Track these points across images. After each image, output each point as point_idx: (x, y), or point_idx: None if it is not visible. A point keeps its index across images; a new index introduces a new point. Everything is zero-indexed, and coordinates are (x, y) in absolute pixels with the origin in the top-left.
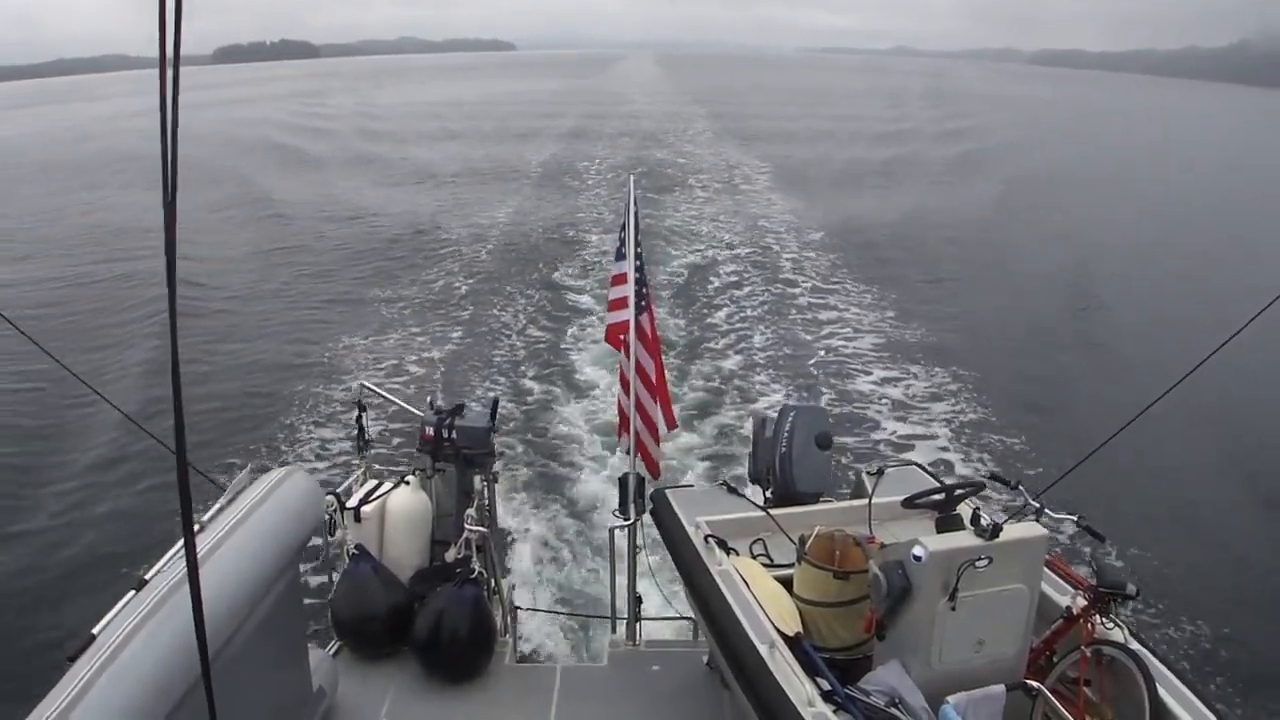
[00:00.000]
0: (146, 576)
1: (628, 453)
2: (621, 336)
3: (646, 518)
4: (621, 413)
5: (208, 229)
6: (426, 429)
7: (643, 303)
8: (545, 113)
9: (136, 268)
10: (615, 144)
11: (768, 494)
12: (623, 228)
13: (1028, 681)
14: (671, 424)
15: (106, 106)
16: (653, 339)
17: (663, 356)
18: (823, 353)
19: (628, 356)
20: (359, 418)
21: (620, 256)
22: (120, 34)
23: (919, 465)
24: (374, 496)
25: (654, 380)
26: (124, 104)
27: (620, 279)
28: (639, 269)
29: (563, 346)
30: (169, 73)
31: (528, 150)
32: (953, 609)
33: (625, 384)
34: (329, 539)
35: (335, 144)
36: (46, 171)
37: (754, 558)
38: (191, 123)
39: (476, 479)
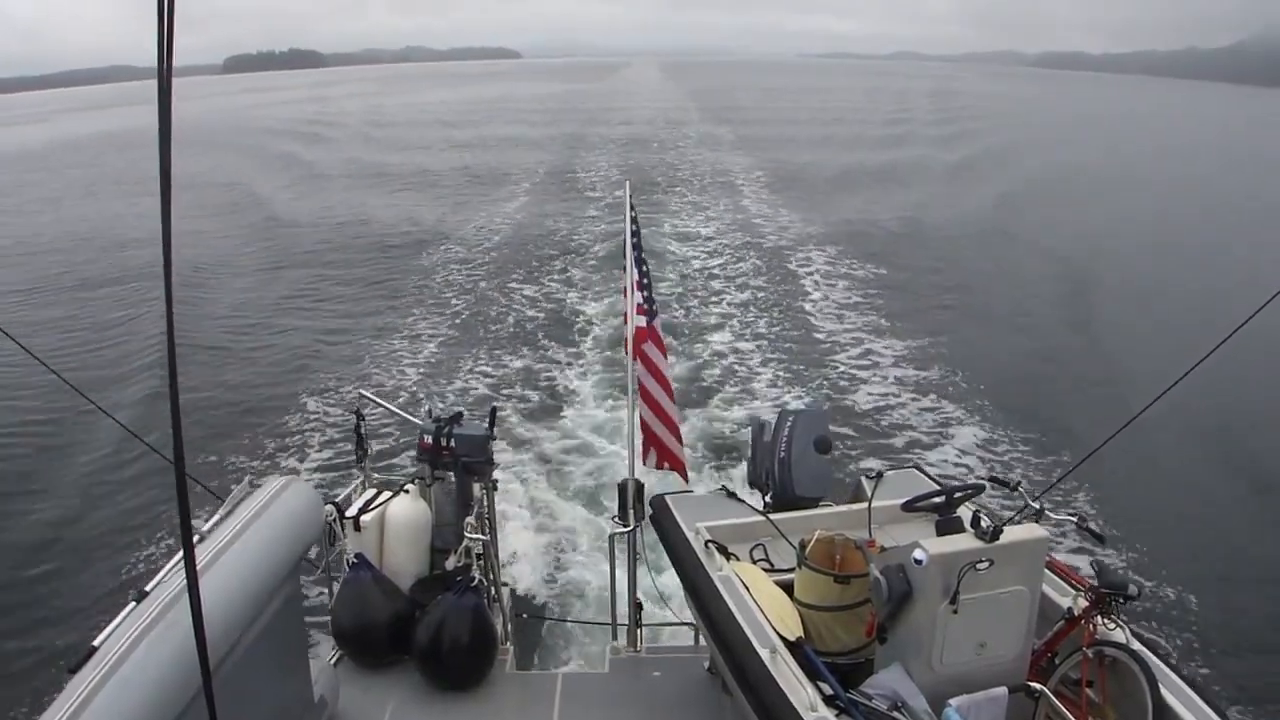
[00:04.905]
0: (147, 588)
1: (651, 463)
2: (637, 343)
3: (646, 523)
4: (643, 421)
5: (206, 237)
6: (425, 437)
7: (653, 309)
8: (549, 118)
9: (138, 278)
10: (617, 148)
11: (767, 499)
12: (632, 234)
13: (1030, 684)
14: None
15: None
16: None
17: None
18: (822, 356)
19: (646, 363)
20: (358, 427)
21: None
22: (124, 46)
23: (918, 468)
24: (374, 505)
25: (670, 384)
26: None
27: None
28: (645, 275)
29: (562, 353)
30: (164, 80)
31: (529, 155)
32: (954, 612)
33: (644, 391)
34: (329, 548)
35: (336, 151)
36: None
37: (754, 563)
38: (193, 128)
39: (476, 487)
